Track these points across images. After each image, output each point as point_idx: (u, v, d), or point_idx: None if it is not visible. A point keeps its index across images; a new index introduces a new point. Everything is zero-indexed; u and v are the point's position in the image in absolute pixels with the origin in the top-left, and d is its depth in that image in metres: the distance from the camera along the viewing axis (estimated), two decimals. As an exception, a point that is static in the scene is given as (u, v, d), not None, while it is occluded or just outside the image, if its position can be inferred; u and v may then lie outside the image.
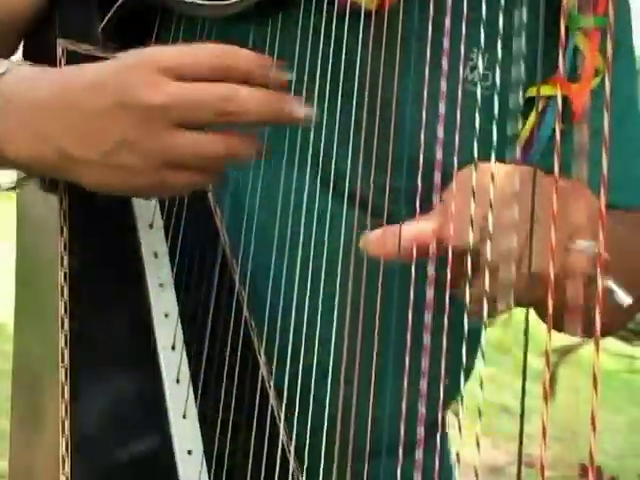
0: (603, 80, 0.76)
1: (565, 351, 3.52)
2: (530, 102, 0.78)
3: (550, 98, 0.80)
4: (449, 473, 0.91)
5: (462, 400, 0.59)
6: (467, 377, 0.60)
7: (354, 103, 0.75)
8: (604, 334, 0.68)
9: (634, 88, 0.91)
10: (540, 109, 0.80)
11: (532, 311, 0.65)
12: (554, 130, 0.76)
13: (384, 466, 0.71)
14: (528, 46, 0.64)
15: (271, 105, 0.68)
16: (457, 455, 0.59)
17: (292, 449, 0.71)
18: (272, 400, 0.73)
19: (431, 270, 0.61)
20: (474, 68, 0.82)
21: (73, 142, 0.69)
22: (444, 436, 0.93)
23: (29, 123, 0.70)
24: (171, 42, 0.84)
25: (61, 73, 0.72)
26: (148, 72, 0.67)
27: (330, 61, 0.77)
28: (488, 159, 0.59)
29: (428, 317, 0.60)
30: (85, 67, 0.73)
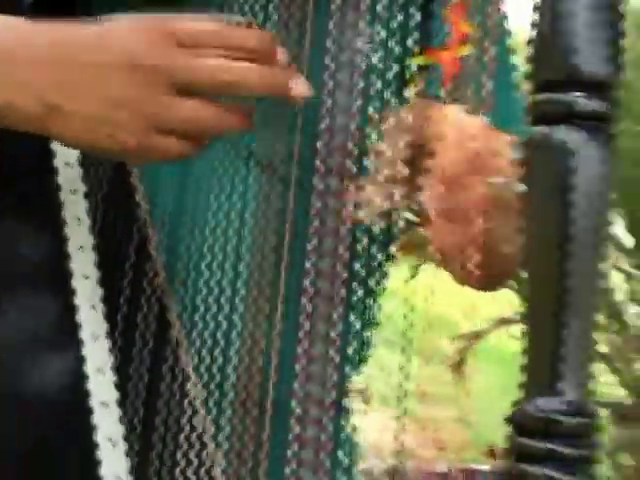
0: (475, 47, 0.79)
1: (474, 337, 3.58)
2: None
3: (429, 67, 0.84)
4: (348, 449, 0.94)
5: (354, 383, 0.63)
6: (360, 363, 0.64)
7: None
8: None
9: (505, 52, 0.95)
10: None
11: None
12: (435, 96, 0.80)
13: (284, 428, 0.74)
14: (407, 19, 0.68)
15: (272, 78, 0.70)
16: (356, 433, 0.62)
17: (199, 401, 0.75)
18: (183, 355, 0.76)
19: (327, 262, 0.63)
20: (367, 41, 0.85)
21: (65, 95, 0.68)
22: (341, 416, 0.96)
23: (9, 71, 0.69)
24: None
25: (50, 28, 0.70)
26: (161, 36, 0.68)
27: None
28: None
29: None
30: (82, 25, 0.71)
